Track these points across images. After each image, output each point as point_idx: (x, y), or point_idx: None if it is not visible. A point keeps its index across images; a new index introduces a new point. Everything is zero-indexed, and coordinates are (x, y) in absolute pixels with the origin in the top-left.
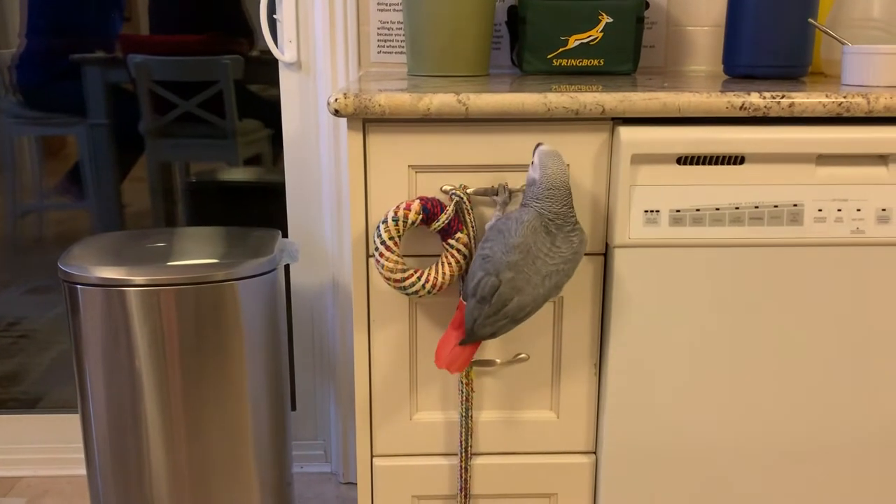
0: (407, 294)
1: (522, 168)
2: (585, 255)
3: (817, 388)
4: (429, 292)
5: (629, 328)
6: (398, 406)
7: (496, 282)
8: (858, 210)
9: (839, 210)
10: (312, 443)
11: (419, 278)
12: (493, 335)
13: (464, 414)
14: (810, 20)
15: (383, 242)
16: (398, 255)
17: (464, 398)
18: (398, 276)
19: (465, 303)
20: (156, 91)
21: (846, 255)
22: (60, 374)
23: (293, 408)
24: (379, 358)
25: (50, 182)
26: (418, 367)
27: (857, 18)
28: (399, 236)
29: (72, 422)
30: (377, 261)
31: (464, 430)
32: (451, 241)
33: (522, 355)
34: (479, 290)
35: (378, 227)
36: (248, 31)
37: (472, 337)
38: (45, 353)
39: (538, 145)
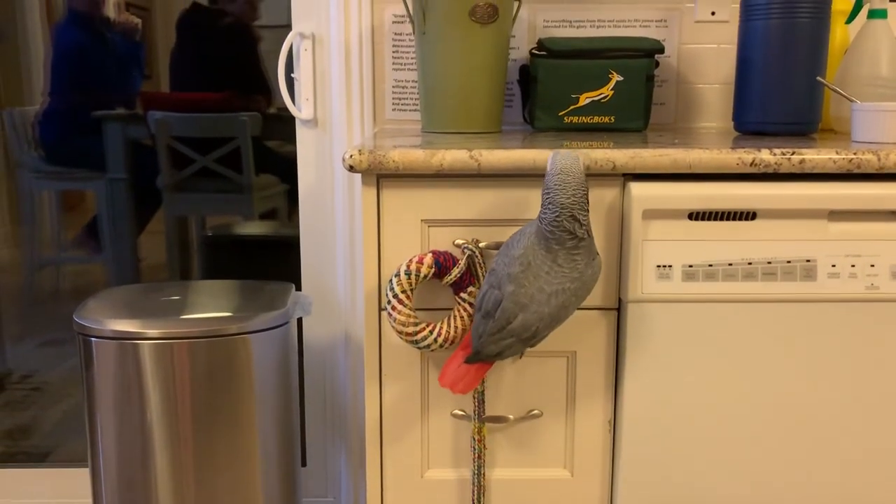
0: (419, 348)
1: None
2: (598, 309)
3: (832, 444)
4: (441, 346)
5: (643, 384)
6: (410, 463)
7: (499, 295)
8: (872, 266)
9: (853, 266)
10: (323, 500)
11: (431, 332)
12: (499, 355)
13: (476, 472)
14: (819, 78)
15: (395, 296)
16: (410, 309)
17: (476, 455)
18: (410, 329)
19: None
20: (175, 147)
21: (861, 311)
22: (71, 427)
23: (303, 463)
24: (390, 413)
25: (68, 235)
26: (430, 423)
27: (865, 76)
28: (411, 290)
29: (81, 476)
30: (389, 314)
31: (476, 488)
32: (463, 295)
33: (535, 411)
34: (484, 304)
35: (391, 280)
36: (266, 90)
37: (477, 355)
38: (57, 406)
39: None
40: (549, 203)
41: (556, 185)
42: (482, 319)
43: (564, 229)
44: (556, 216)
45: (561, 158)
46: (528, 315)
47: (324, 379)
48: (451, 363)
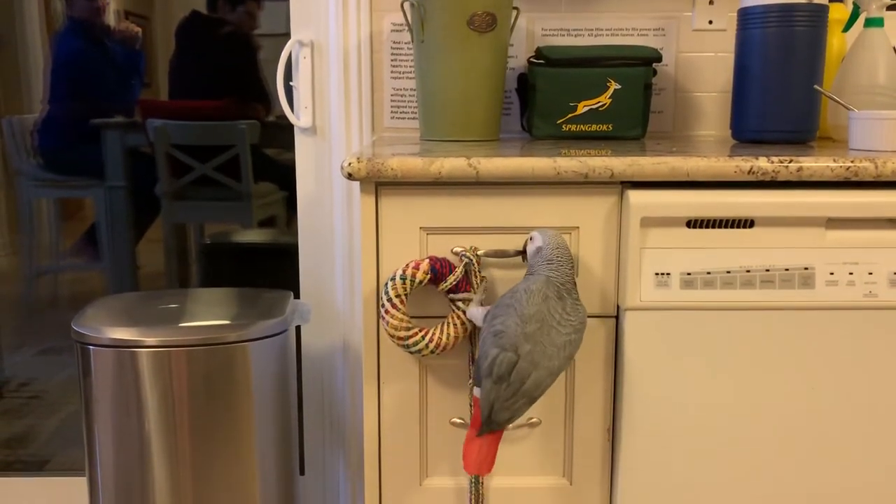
0: (410, 352)
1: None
2: (597, 317)
3: (831, 452)
4: (432, 352)
5: (642, 391)
6: (408, 471)
7: (513, 357)
8: (870, 273)
9: (851, 273)
10: None
11: (423, 337)
12: (509, 420)
13: (474, 480)
14: (816, 87)
15: (390, 300)
16: (404, 313)
17: None
18: (402, 333)
19: (476, 395)
20: (173, 154)
21: (859, 319)
22: (69, 436)
23: (302, 472)
24: (389, 421)
25: (66, 243)
26: (429, 431)
27: (863, 85)
28: (406, 294)
29: (79, 485)
30: (383, 317)
31: (474, 496)
32: (459, 303)
33: (534, 419)
34: (496, 369)
35: (386, 284)
36: (264, 98)
37: (490, 425)
38: (55, 414)
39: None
40: (558, 265)
41: (558, 256)
42: (494, 385)
43: (572, 280)
44: (569, 269)
45: (551, 235)
46: (539, 372)
47: (322, 387)
48: (470, 447)
